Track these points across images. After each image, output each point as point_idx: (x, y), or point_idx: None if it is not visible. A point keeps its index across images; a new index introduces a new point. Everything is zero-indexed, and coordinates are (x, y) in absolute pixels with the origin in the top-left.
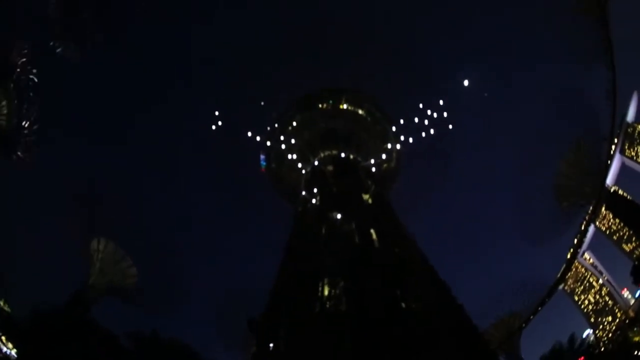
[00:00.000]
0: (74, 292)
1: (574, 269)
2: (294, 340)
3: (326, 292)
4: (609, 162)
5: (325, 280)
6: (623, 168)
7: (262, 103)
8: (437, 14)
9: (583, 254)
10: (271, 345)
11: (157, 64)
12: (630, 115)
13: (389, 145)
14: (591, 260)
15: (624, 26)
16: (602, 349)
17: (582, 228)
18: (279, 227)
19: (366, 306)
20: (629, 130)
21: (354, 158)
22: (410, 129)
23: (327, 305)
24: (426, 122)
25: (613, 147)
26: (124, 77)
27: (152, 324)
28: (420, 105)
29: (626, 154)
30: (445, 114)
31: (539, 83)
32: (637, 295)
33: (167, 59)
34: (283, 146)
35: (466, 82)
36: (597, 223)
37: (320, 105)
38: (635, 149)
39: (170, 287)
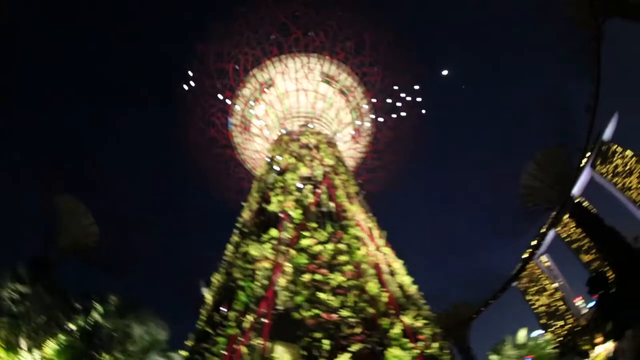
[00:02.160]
0: (38, 252)
1: (529, 269)
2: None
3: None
4: (578, 172)
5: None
6: (592, 182)
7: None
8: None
9: (541, 256)
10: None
11: None
12: (607, 134)
13: (359, 123)
14: (548, 264)
15: (618, 48)
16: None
17: (543, 231)
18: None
19: None
20: (603, 147)
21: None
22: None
23: None
24: (399, 104)
25: (585, 159)
26: None
27: (110, 285)
28: (395, 87)
29: (597, 169)
30: (419, 99)
31: (525, 81)
32: (590, 305)
33: None
34: (253, 112)
35: (445, 72)
36: (559, 229)
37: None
38: (607, 166)
39: (130, 249)
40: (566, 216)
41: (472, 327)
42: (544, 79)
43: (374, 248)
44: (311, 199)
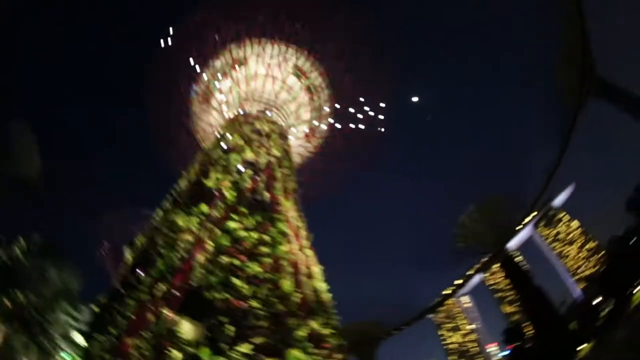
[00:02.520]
0: None
1: (448, 306)
2: None
3: None
4: (519, 227)
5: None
6: (531, 240)
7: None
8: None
9: (462, 296)
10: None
11: None
12: (559, 201)
13: (316, 123)
14: (468, 305)
15: (593, 126)
16: None
17: (470, 273)
18: None
19: None
20: (550, 212)
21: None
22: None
23: None
24: (360, 116)
25: (530, 217)
26: None
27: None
28: (361, 99)
29: (539, 230)
30: (381, 117)
31: (496, 126)
32: (502, 354)
33: None
34: (218, 85)
35: (415, 99)
36: (487, 275)
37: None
38: (550, 230)
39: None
40: (497, 265)
41: (381, 348)
42: (514, 129)
43: (297, 247)
44: (248, 184)
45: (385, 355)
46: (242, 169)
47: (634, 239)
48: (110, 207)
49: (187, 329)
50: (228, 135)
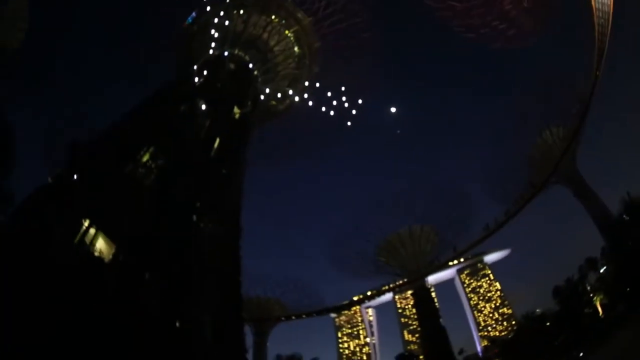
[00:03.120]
0: None
1: (352, 312)
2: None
3: (145, 159)
4: (442, 267)
5: (152, 149)
6: (450, 282)
7: None
8: None
9: (368, 307)
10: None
11: None
12: (490, 257)
13: (291, 92)
14: (372, 318)
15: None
16: None
17: (384, 289)
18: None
19: (167, 196)
20: (479, 265)
21: (256, 75)
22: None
23: (137, 169)
24: (343, 98)
25: (456, 261)
26: None
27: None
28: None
29: (462, 277)
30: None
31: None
32: None
33: None
34: (216, 20)
35: (393, 109)
36: (398, 297)
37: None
38: (471, 280)
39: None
40: (409, 291)
41: (276, 328)
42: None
43: None
44: None
45: (278, 336)
46: None
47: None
48: None
49: None
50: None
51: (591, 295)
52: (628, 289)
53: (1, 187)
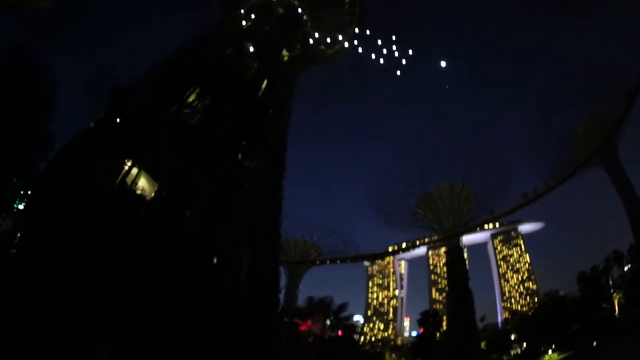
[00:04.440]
0: None
1: (385, 262)
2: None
3: (190, 99)
4: (477, 228)
5: (198, 90)
6: (483, 246)
7: None
8: None
9: (401, 260)
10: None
11: None
12: (524, 227)
13: (340, 37)
14: (403, 270)
15: None
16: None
17: (418, 243)
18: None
19: (211, 134)
20: (512, 233)
21: (306, 20)
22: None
23: (183, 110)
24: (394, 49)
25: (491, 225)
26: None
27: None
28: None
29: (494, 242)
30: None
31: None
32: (413, 333)
33: None
34: None
35: (443, 64)
36: (431, 252)
37: None
38: (503, 247)
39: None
40: (443, 249)
41: (310, 271)
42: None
43: None
44: None
45: (311, 279)
46: None
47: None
48: None
49: None
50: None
51: (612, 290)
52: None
53: (43, 132)
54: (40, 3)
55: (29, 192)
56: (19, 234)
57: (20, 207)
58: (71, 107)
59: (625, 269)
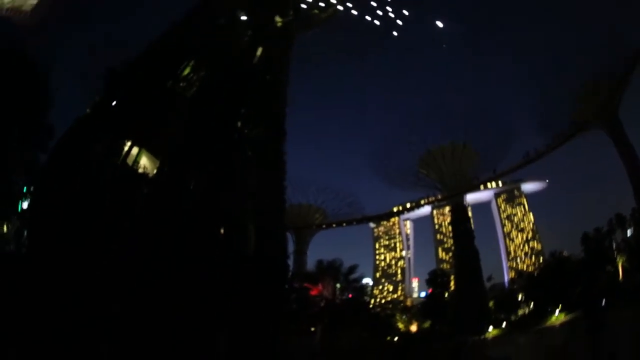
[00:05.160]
0: None
1: (391, 223)
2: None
3: (185, 72)
4: (481, 187)
5: (192, 62)
6: (487, 204)
7: None
8: None
9: (407, 220)
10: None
11: None
12: (527, 187)
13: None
14: (409, 231)
15: None
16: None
17: (422, 202)
18: None
19: (209, 105)
20: (516, 191)
21: None
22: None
23: (179, 84)
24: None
25: (494, 184)
26: None
27: None
28: None
29: (498, 201)
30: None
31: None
32: (421, 294)
33: None
34: None
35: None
36: (435, 212)
37: None
38: (507, 206)
39: None
40: (447, 208)
41: (317, 236)
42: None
43: None
44: None
45: (319, 243)
46: None
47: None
48: None
49: None
50: None
51: (615, 254)
52: None
53: (41, 123)
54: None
55: (32, 189)
56: (26, 233)
57: (24, 205)
58: (69, 95)
59: (629, 233)
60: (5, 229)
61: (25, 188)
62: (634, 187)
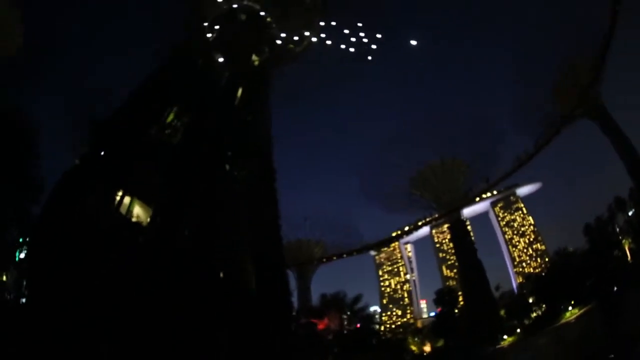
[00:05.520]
0: None
1: (391, 249)
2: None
3: (169, 119)
4: (476, 199)
5: (175, 109)
6: (485, 215)
7: None
8: None
9: (407, 243)
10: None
11: None
12: (523, 190)
13: (307, 33)
14: (410, 254)
15: None
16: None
17: (419, 223)
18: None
19: (196, 150)
20: (512, 197)
21: (270, 21)
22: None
23: (164, 131)
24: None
25: (489, 194)
26: None
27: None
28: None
29: (496, 209)
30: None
31: None
32: (431, 314)
33: None
34: None
35: (413, 42)
36: (435, 231)
37: None
38: (505, 213)
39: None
40: (446, 225)
41: (319, 270)
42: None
43: None
44: None
45: (322, 278)
46: None
47: (580, 261)
48: None
49: None
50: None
51: (620, 237)
52: None
53: (32, 179)
54: (4, 52)
55: (27, 239)
56: (25, 283)
57: (21, 255)
58: (58, 146)
59: (630, 214)
60: (4, 278)
61: (20, 239)
62: (628, 167)
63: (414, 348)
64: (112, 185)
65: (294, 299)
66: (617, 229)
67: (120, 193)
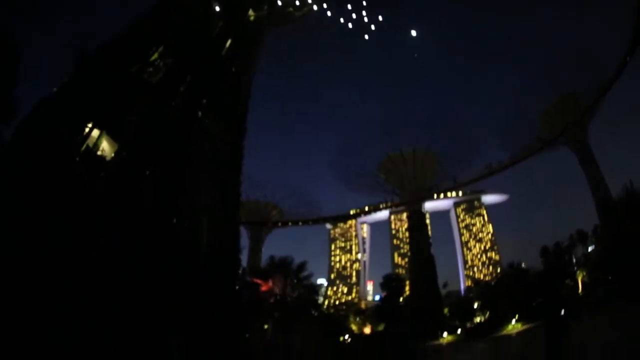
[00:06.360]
0: None
1: (347, 226)
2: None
3: (153, 58)
4: (441, 196)
5: (161, 49)
6: (446, 213)
7: None
8: None
9: (363, 223)
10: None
11: None
12: (488, 199)
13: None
14: (365, 234)
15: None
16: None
17: (382, 206)
18: None
19: (172, 92)
20: (476, 202)
21: None
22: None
23: (145, 69)
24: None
25: (454, 193)
26: None
27: None
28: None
29: (458, 210)
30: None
31: None
32: (376, 297)
33: None
34: None
35: (414, 33)
36: (393, 217)
37: None
38: (466, 216)
39: None
40: (405, 214)
41: (272, 234)
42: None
43: None
44: None
45: (274, 241)
46: None
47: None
48: None
49: None
50: None
51: (575, 268)
52: (609, 277)
53: (6, 99)
54: None
55: None
56: None
57: None
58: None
59: (590, 249)
60: None
61: None
62: (597, 205)
63: (354, 327)
64: (85, 115)
65: (244, 258)
66: (574, 260)
67: (90, 125)
